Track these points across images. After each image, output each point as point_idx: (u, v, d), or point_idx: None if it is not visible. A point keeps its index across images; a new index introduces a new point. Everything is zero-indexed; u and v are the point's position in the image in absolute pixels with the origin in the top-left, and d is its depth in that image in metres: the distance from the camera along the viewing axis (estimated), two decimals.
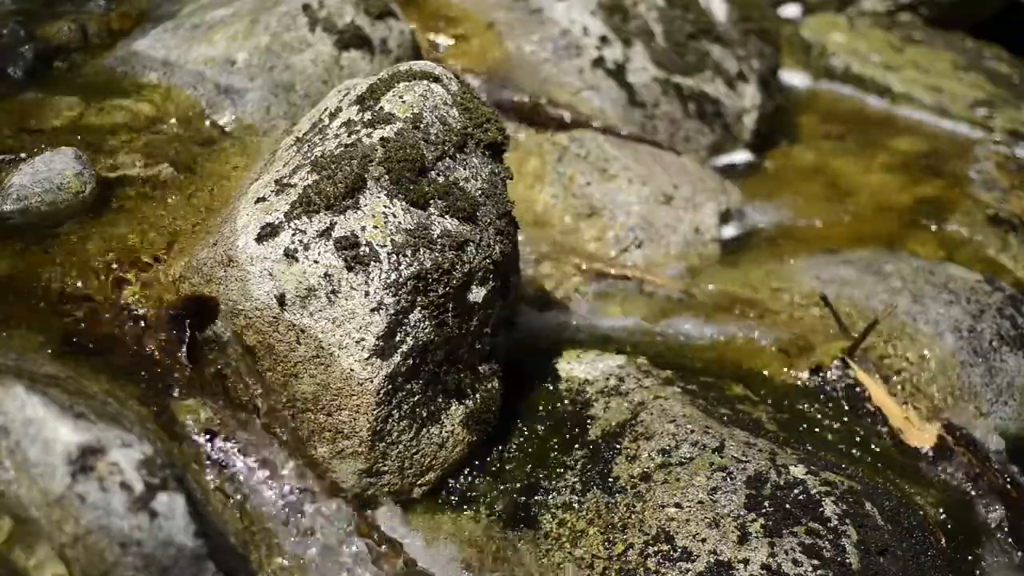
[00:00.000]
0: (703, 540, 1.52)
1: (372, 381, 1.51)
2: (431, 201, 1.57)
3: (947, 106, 3.26)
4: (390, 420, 1.55)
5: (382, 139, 1.58)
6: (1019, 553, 1.79)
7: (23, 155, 1.80)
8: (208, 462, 1.42)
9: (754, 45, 3.02)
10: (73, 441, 1.17)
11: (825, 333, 2.08)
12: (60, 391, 1.27)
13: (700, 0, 2.94)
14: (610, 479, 1.64)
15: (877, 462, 1.85)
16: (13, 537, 1.15)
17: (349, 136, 1.61)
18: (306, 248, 1.50)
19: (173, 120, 2.06)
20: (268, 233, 1.52)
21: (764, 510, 1.55)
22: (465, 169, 1.63)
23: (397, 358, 1.52)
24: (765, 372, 2.00)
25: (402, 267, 1.51)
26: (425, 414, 1.60)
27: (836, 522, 1.53)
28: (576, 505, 1.64)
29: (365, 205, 1.53)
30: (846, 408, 1.95)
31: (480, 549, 1.58)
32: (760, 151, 2.91)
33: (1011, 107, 3.30)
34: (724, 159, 2.84)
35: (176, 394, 1.48)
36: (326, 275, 1.49)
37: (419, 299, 1.52)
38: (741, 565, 1.48)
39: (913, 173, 2.86)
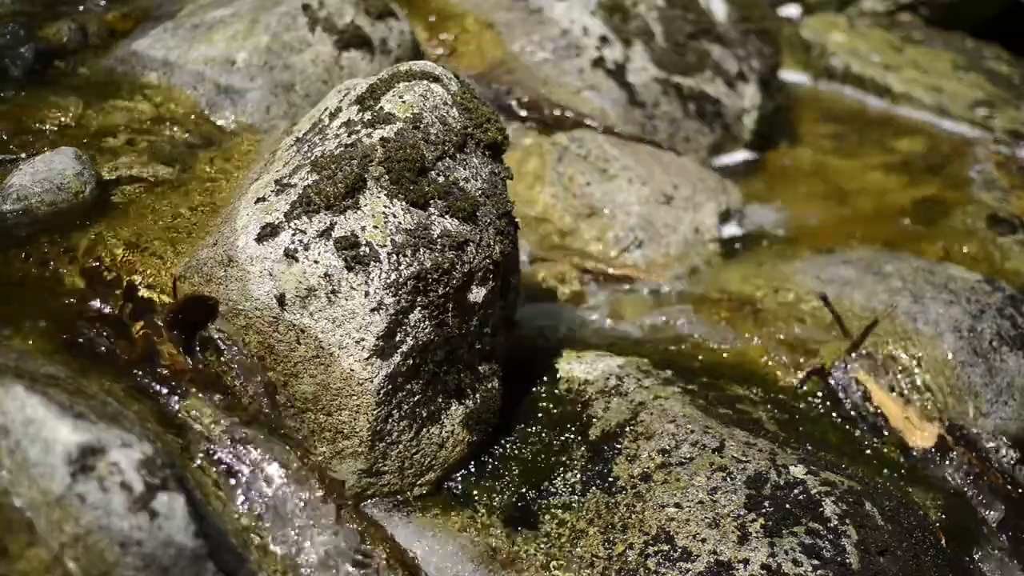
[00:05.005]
0: (703, 540, 1.52)
1: (372, 381, 1.51)
2: (431, 201, 1.57)
3: (947, 106, 3.26)
4: (390, 420, 1.55)
5: (382, 139, 1.58)
6: (1019, 553, 1.79)
7: (23, 155, 1.80)
8: (208, 462, 1.42)
9: (754, 45, 3.02)
10: (73, 441, 1.17)
11: (825, 333, 2.08)
12: (60, 391, 1.27)
13: (700, 0, 2.94)
14: (610, 479, 1.64)
15: (877, 462, 1.85)
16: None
17: (349, 136, 1.61)
18: (306, 248, 1.50)
19: (173, 120, 2.06)
20: (268, 233, 1.52)
21: (764, 510, 1.55)
22: (465, 169, 1.63)
23: (397, 358, 1.52)
24: (765, 372, 2.00)
25: (402, 267, 1.51)
26: (425, 414, 1.60)
27: (836, 522, 1.53)
28: (576, 505, 1.64)
29: (365, 205, 1.53)
30: (846, 408, 1.95)
31: (480, 549, 1.58)
32: (760, 151, 2.91)
33: (1011, 107, 3.30)
34: (724, 159, 2.84)
35: (176, 394, 1.48)
36: (326, 275, 1.49)
37: (419, 299, 1.52)
38: (741, 565, 1.48)
39: (913, 173, 2.86)
